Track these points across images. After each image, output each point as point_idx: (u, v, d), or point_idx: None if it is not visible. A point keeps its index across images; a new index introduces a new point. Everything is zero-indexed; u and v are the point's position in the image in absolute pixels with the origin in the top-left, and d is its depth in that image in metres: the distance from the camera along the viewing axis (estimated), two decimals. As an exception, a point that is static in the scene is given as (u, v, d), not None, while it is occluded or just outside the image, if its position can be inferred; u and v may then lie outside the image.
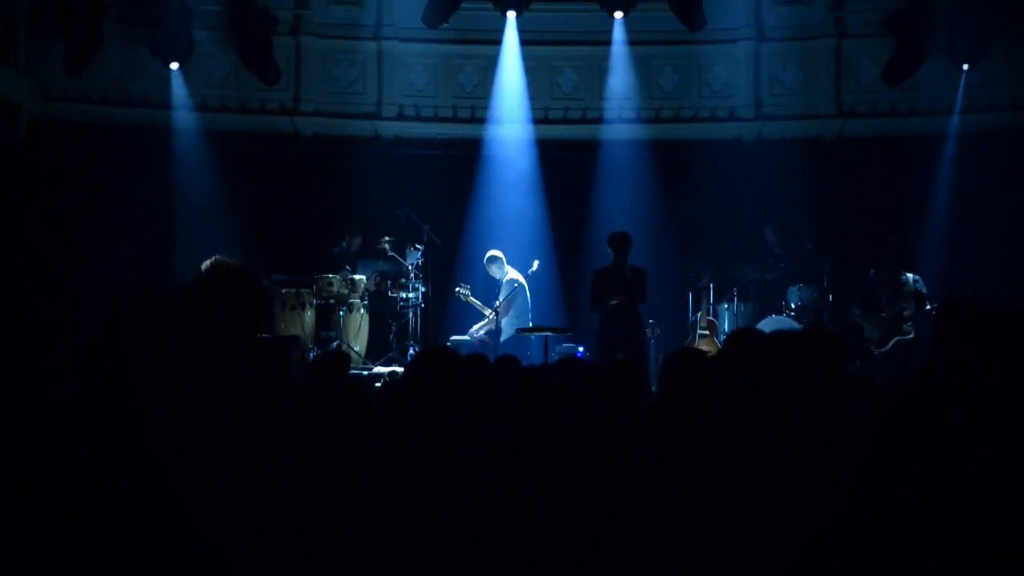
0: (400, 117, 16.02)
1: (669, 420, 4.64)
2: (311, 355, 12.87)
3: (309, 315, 13.99)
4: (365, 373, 13.13)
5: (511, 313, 14.07)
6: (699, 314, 14.23)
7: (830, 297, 14.17)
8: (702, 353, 5.71)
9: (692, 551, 3.56)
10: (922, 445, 3.60)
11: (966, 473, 3.34)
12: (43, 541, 2.22)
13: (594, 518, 3.28)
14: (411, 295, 14.31)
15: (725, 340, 7.82)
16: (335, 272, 14.16)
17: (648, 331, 13.59)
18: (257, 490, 2.58)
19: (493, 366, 5.76)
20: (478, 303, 14.12)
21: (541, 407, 3.42)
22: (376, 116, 15.95)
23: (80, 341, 2.54)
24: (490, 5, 15.20)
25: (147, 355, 2.27)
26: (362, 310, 14.24)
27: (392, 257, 14.54)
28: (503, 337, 13.90)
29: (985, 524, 3.23)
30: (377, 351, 14.47)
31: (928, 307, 12.87)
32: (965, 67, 14.69)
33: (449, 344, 13.31)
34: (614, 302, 12.46)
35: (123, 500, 2.24)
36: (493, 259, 14.30)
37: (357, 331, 14.15)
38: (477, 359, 5.42)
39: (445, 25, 15.33)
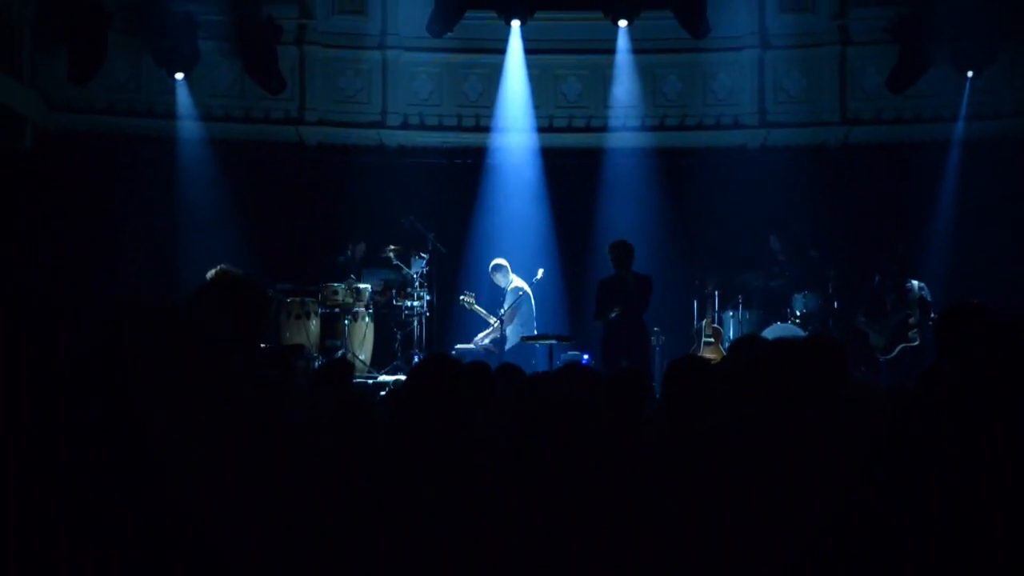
0: (405, 126, 16.03)
1: (671, 426, 4.64)
2: (316, 364, 12.86)
3: (314, 324, 13.99)
4: (370, 382, 13.14)
5: (516, 321, 14.07)
6: (704, 321, 14.23)
7: (835, 304, 14.15)
8: (705, 360, 5.72)
9: (693, 554, 3.56)
10: (924, 450, 3.59)
11: (967, 478, 3.33)
12: (43, 541, 2.22)
13: (595, 522, 3.28)
14: (416, 303, 14.30)
15: (729, 347, 7.84)
16: (340, 281, 14.15)
17: (653, 339, 13.58)
18: (256, 494, 2.59)
19: (494, 374, 5.76)
20: (483, 311, 14.11)
21: (543, 412, 3.43)
22: (381, 125, 15.96)
23: (82, 348, 2.55)
24: (494, 14, 15.22)
25: (142, 362, 2.28)
26: (367, 319, 14.24)
27: (397, 266, 14.53)
28: (508, 345, 13.89)
29: (985, 529, 3.23)
30: (382, 360, 14.46)
31: (933, 314, 12.85)
32: (969, 74, 14.67)
33: (454, 352, 13.31)
34: (613, 314, 12.45)
35: (121, 503, 2.25)
36: (498, 267, 14.29)
37: (362, 340, 14.15)
38: (478, 367, 5.41)
39: (449, 34, 15.36)
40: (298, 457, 3.41)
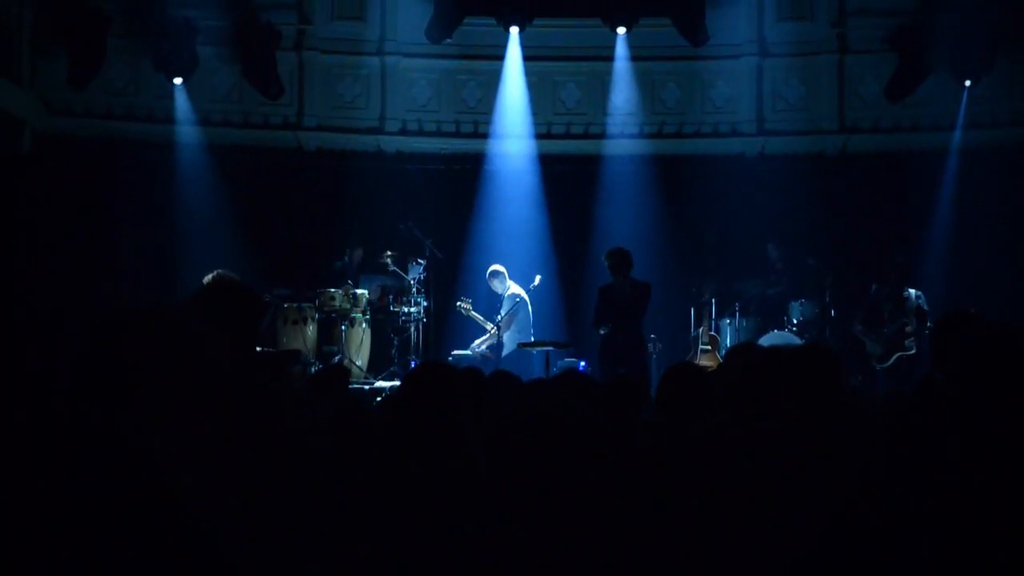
0: (403, 132, 16.05)
1: (665, 433, 4.64)
2: (313, 369, 12.86)
3: (311, 329, 13.99)
4: (367, 388, 13.13)
5: (513, 328, 14.07)
6: (701, 329, 14.23)
7: (832, 312, 14.15)
8: (700, 368, 5.72)
9: (684, 561, 3.56)
10: (919, 459, 3.60)
11: (962, 487, 3.33)
12: (37, 542, 2.23)
13: (590, 528, 3.28)
14: (413, 309, 14.30)
15: (725, 355, 7.85)
16: (337, 286, 14.16)
17: (650, 346, 13.57)
18: (250, 499, 2.59)
19: (488, 380, 5.77)
20: (480, 318, 14.12)
21: (538, 417, 3.44)
22: (379, 131, 15.98)
23: (78, 350, 2.56)
24: (493, 21, 15.24)
25: (134, 366, 2.28)
26: (364, 324, 14.24)
27: (394, 271, 14.54)
28: (505, 352, 13.89)
29: (982, 537, 3.23)
30: (379, 365, 14.47)
31: (930, 323, 12.85)
32: (967, 83, 14.71)
33: (451, 359, 13.32)
34: (603, 332, 12.47)
35: (118, 505, 2.25)
36: (495, 274, 14.30)
37: (359, 345, 14.15)
38: (471, 372, 5.42)
39: (448, 40, 15.38)
40: (292, 462, 3.41)
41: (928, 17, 14.72)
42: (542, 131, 15.96)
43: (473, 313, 14.12)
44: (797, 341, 13.06)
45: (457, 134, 16.15)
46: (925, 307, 13.29)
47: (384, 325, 14.64)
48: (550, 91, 16.14)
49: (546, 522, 3.27)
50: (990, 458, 3.38)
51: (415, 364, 13.21)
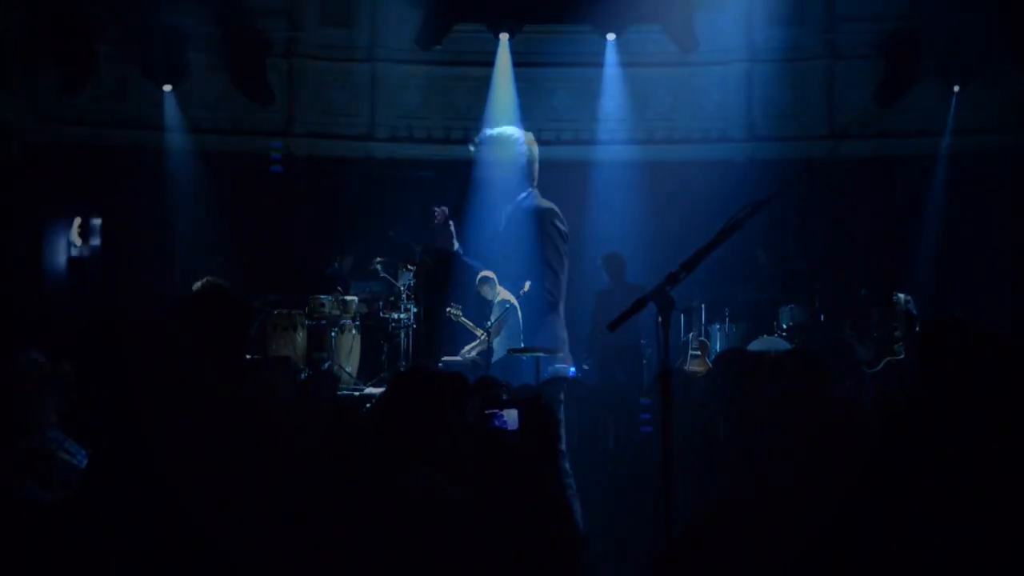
0: (393, 138, 16.06)
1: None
2: (302, 376, 12.84)
3: (301, 336, 13.95)
4: (357, 394, 13.10)
5: (503, 334, 14.03)
6: (691, 335, 14.22)
7: (822, 317, 14.17)
8: (688, 373, 5.74)
9: (684, 559, 3.57)
10: (908, 464, 3.61)
11: (953, 492, 3.35)
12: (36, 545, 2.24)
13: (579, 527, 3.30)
14: (403, 316, 14.28)
15: (713, 360, 7.86)
16: (327, 293, 14.13)
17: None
18: (235, 503, 2.60)
19: (471, 386, 5.77)
20: (470, 324, 14.09)
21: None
22: (369, 137, 15.99)
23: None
24: (483, 27, 15.26)
25: (115, 372, 2.29)
26: (354, 331, 14.20)
27: (384, 278, 14.52)
28: (495, 358, 13.85)
29: (973, 540, 3.25)
30: (369, 372, 14.44)
31: (918, 328, 12.88)
32: (956, 89, 14.76)
33: (441, 365, 13.29)
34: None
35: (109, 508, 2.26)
36: (485, 280, 14.28)
37: (349, 352, 14.11)
38: (455, 377, 5.43)
39: (438, 47, 15.41)
40: (281, 466, 3.42)
41: (917, 23, 14.77)
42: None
43: (463, 319, 14.10)
44: (786, 346, 13.08)
45: (447, 140, 16.14)
46: (914, 312, 13.31)
47: (374, 332, 14.61)
48: (540, 97, 16.14)
49: (535, 520, 3.28)
50: (978, 462, 3.39)
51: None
